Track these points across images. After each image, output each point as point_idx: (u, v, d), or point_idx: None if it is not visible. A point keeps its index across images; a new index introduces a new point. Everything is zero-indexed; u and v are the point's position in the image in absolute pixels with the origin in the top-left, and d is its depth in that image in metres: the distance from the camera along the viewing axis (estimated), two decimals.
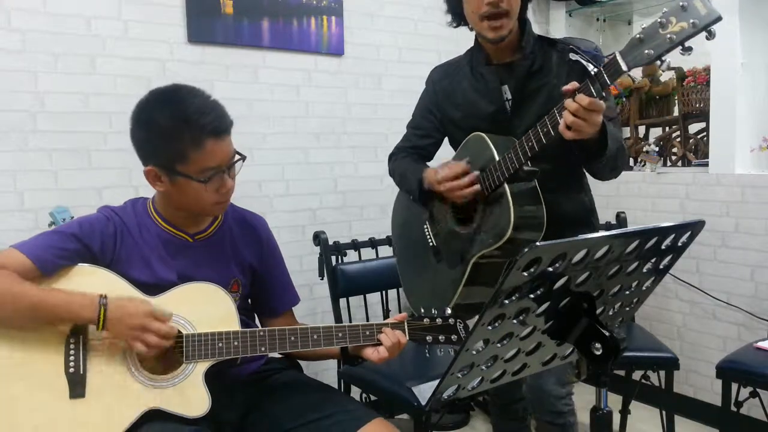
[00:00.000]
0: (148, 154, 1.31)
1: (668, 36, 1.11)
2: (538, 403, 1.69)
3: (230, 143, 1.33)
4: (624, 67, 1.19)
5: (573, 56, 1.45)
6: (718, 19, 1.08)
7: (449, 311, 1.39)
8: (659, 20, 1.12)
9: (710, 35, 1.11)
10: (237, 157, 1.35)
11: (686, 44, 1.12)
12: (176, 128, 1.25)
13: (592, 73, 1.25)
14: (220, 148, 1.29)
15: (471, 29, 1.60)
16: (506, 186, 1.46)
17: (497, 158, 1.47)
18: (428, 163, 1.80)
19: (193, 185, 1.29)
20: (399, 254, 1.94)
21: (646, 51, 1.15)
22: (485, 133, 1.56)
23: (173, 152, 1.27)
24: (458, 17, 1.60)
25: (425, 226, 1.75)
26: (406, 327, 1.38)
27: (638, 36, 1.15)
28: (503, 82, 1.57)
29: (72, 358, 1.26)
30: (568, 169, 1.59)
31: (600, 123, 1.32)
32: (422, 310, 1.40)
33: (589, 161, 1.48)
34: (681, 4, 1.09)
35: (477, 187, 1.51)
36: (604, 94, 1.26)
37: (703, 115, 2.69)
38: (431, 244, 1.73)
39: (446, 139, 1.81)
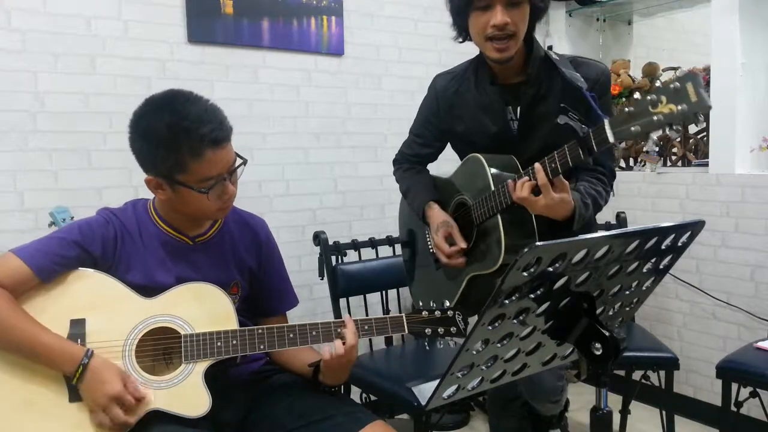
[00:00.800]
0: (148, 164, 1.30)
1: (656, 117, 1.12)
2: (532, 393, 1.72)
3: (230, 150, 1.31)
4: (611, 139, 1.19)
5: (562, 119, 1.42)
6: (708, 108, 1.07)
7: (447, 303, 1.40)
8: (650, 98, 1.12)
9: (696, 122, 1.13)
10: (238, 161, 1.34)
11: (674, 126, 1.13)
12: (174, 139, 1.23)
13: (582, 135, 1.25)
14: (219, 157, 1.27)
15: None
16: (499, 217, 1.45)
17: (492, 189, 1.46)
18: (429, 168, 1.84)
19: (195, 194, 1.29)
20: (405, 254, 1.96)
21: (633, 128, 1.15)
22: (486, 150, 1.55)
23: (173, 163, 1.25)
24: (464, 33, 1.54)
25: (427, 233, 1.76)
26: (405, 320, 1.38)
27: (627, 110, 1.16)
28: (507, 103, 1.55)
29: None
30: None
31: (564, 213, 1.35)
32: (420, 303, 1.41)
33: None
34: (674, 86, 1.09)
35: (462, 261, 1.56)
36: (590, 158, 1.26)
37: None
38: (431, 249, 1.74)
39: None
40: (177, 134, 1.23)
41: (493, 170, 1.49)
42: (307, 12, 2.55)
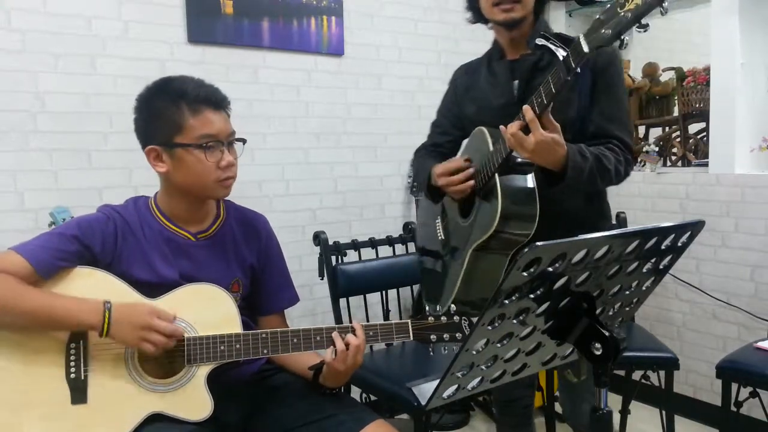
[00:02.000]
0: (149, 134, 1.34)
1: (623, 14, 1.13)
2: (577, 420, 1.74)
3: (228, 122, 1.36)
4: (585, 48, 1.19)
5: (540, 41, 1.47)
6: None
7: (453, 308, 1.39)
8: (618, 0, 1.14)
9: (663, 11, 1.11)
10: (237, 139, 1.39)
11: (642, 21, 1.13)
12: (174, 101, 1.30)
13: (561, 58, 1.27)
14: (217, 118, 1.33)
15: (489, 27, 1.62)
16: (497, 178, 1.45)
17: (491, 148, 1.47)
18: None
19: (193, 156, 1.30)
20: (419, 247, 1.95)
21: (604, 31, 1.16)
22: (497, 125, 1.53)
23: (172, 125, 1.30)
24: (476, 13, 1.61)
25: (437, 221, 1.78)
26: (410, 326, 1.38)
27: (599, 17, 1.18)
28: (514, 77, 1.58)
29: (73, 363, 1.26)
30: None
31: (557, 156, 1.33)
32: (427, 308, 1.40)
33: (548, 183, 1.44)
34: None
35: (471, 182, 1.53)
36: (569, 77, 1.24)
37: (703, 115, 2.69)
38: (440, 237, 1.75)
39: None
40: (176, 98, 1.30)
41: (491, 133, 1.51)
42: (307, 12, 2.55)
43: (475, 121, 1.65)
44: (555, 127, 1.32)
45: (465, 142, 1.77)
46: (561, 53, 1.36)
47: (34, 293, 1.23)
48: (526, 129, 1.31)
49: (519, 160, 1.41)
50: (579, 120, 1.48)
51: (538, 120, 1.29)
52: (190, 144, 1.30)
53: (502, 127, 1.37)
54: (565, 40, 1.54)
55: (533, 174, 1.45)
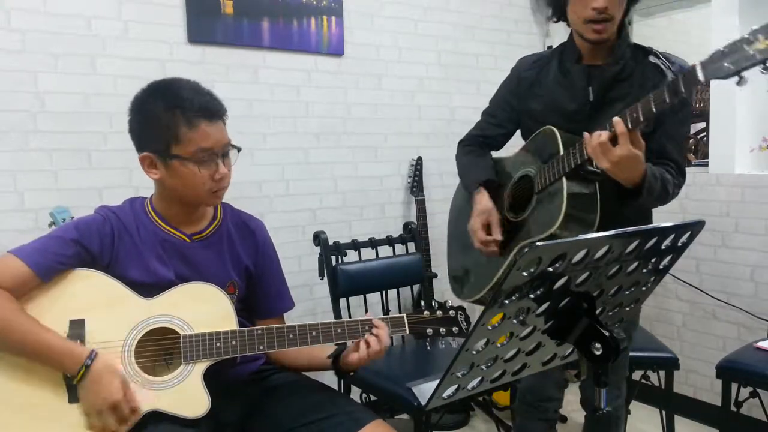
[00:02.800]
0: (144, 140, 1.33)
1: (752, 52, 1.08)
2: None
3: (224, 131, 1.35)
4: (701, 78, 1.16)
5: (653, 59, 1.47)
6: None
7: (450, 303, 1.40)
8: (746, 36, 1.09)
9: None
10: (233, 154, 1.37)
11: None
12: (170, 111, 1.28)
13: (669, 79, 1.26)
14: (213, 131, 1.31)
15: (569, 25, 1.60)
16: (564, 181, 1.46)
17: (562, 152, 1.47)
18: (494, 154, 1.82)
19: (187, 168, 1.30)
20: (451, 233, 1.95)
21: (726, 64, 1.12)
22: (562, 128, 1.55)
23: (167, 135, 1.29)
24: (560, 13, 1.58)
25: None
26: (406, 320, 1.38)
27: (722, 49, 1.13)
28: (590, 83, 1.56)
29: None
30: None
31: (636, 174, 1.34)
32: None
33: (621, 198, 1.45)
34: None
35: (493, 250, 1.60)
36: (677, 99, 1.23)
37: (703, 115, 2.69)
38: None
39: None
40: (172, 106, 1.28)
41: (564, 138, 1.51)
42: (307, 12, 2.55)
43: (538, 119, 1.63)
44: (641, 145, 1.32)
45: (526, 137, 1.73)
46: (670, 75, 1.35)
47: (24, 324, 1.21)
48: (612, 140, 1.31)
49: (590, 168, 1.42)
50: (643, 134, 1.40)
51: (628, 135, 1.29)
52: (185, 157, 1.29)
53: (586, 134, 1.36)
54: (640, 50, 1.55)
55: (598, 184, 1.46)
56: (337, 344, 1.40)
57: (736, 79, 1.12)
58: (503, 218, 1.66)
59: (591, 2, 1.44)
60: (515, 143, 1.79)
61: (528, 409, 1.89)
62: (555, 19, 1.61)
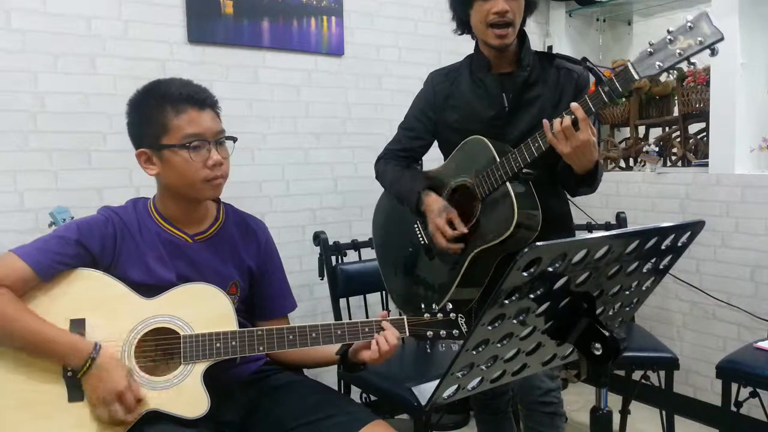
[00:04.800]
0: (138, 138, 1.35)
1: (677, 51, 1.25)
2: (525, 394, 1.74)
3: (215, 120, 1.36)
4: (636, 76, 1.31)
5: (590, 64, 1.59)
6: (721, 39, 1.22)
7: (450, 306, 1.40)
8: (668, 37, 1.25)
9: (713, 53, 1.24)
10: (227, 138, 1.39)
11: (691, 59, 1.26)
12: (159, 103, 1.31)
13: (604, 80, 1.37)
14: (202, 118, 1.32)
15: (473, 38, 1.68)
16: (509, 185, 1.53)
17: (498, 159, 1.54)
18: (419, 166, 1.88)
19: (179, 156, 1.30)
20: (382, 255, 1.95)
21: (657, 63, 1.27)
22: (482, 135, 1.62)
23: (158, 127, 1.31)
24: (463, 25, 1.67)
25: (416, 225, 1.78)
26: (406, 323, 1.38)
27: (648, 49, 1.28)
28: (503, 90, 1.64)
29: None
30: (552, 174, 1.64)
31: (591, 158, 1.44)
32: (422, 306, 1.41)
33: (568, 184, 1.60)
34: (688, 24, 1.23)
35: (459, 246, 1.61)
36: (615, 99, 1.36)
37: (703, 115, 2.69)
38: (423, 241, 1.76)
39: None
40: (161, 99, 1.31)
41: (496, 146, 1.58)
42: (307, 12, 2.55)
43: (457, 129, 1.70)
44: (595, 132, 1.42)
45: (444, 148, 1.80)
46: (604, 77, 1.45)
47: (26, 318, 1.22)
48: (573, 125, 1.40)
49: (525, 170, 1.51)
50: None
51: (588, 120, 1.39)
52: (175, 145, 1.30)
53: (546, 121, 1.43)
54: (548, 57, 1.67)
55: (531, 182, 1.55)
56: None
57: (665, 74, 1.30)
58: None
59: (492, 7, 1.52)
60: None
61: (480, 405, 1.99)
62: (459, 32, 1.69)
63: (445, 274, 1.69)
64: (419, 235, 1.77)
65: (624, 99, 2.96)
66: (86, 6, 2.13)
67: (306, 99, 2.61)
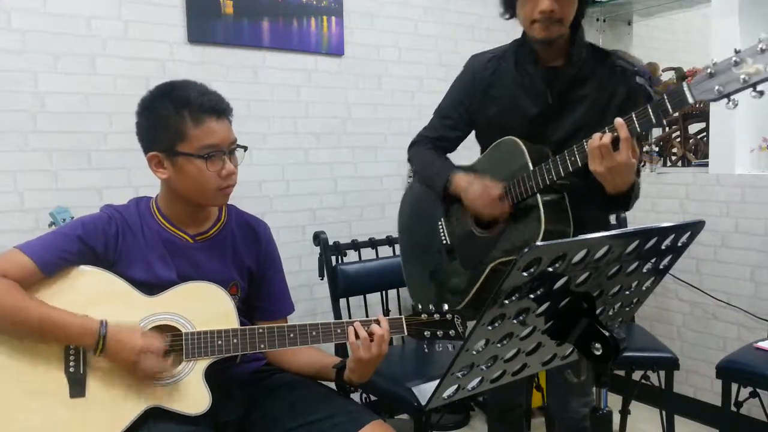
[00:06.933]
0: (151, 140, 1.34)
1: (742, 76, 1.07)
2: (561, 418, 1.72)
3: (230, 129, 1.36)
4: (690, 99, 1.15)
5: (640, 80, 1.44)
6: None
7: (446, 307, 1.39)
8: (734, 58, 1.07)
9: None
10: (240, 153, 1.38)
11: (758, 87, 1.07)
12: (177, 109, 1.29)
13: (656, 100, 1.22)
14: (219, 128, 1.32)
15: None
16: (539, 197, 1.43)
17: (531, 168, 1.44)
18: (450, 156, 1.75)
19: (194, 165, 1.30)
20: (405, 248, 1.89)
21: (717, 87, 1.10)
22: (518, 135, 1.52)
23: (174, 133, 1.30)
24: (512, 10, 1.53)
25: (440, 223, 1.72)
26: (404, 323, 1.38)
27: (709, 70, 1.11)
28: (548, 85, 1.52)
29: (72, 357, 1.26)
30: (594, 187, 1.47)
31: (627, 181, 1.32)
32: (419, 306, 1.40)
33: (598, 200, 1.44)
34: (760, 47, 1.04)
35: (505, 206, 1.49)
36: (664, 122, 1.22)
37: (703, 115, 2.69)
38: (445, 241, 1.70)
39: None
40: (179, 105, 1.29)
41: (530, 151, 1.47)
42: (307, 12, 2.55)
43: (495, 123, 1.59)
44: (637, 154, 1.30)
45: (481, 140, 1.70)
46: (634, 75, 1.35)
47: (32, 303, 1.23)
48: (613, 144, 1.27)
49: (560, 181, 1.40)
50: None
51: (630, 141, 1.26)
52: (192, 154, 1.30)
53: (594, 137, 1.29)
54: (604, 54, 1.53)
55: (566, 194, 1.45)
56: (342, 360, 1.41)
57: (725, 101, 1.10)
58: (470, 232, 1.62)
59: (538, 5, 1.42)
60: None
61: (496, 416, 1.95)
62: (507, 16, 1.55)
63: (465, 279, 1.62)
64: (442, 234, 1.71)
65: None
66: (86, 6, 2.13)
67: (306, 99, 2.61)
